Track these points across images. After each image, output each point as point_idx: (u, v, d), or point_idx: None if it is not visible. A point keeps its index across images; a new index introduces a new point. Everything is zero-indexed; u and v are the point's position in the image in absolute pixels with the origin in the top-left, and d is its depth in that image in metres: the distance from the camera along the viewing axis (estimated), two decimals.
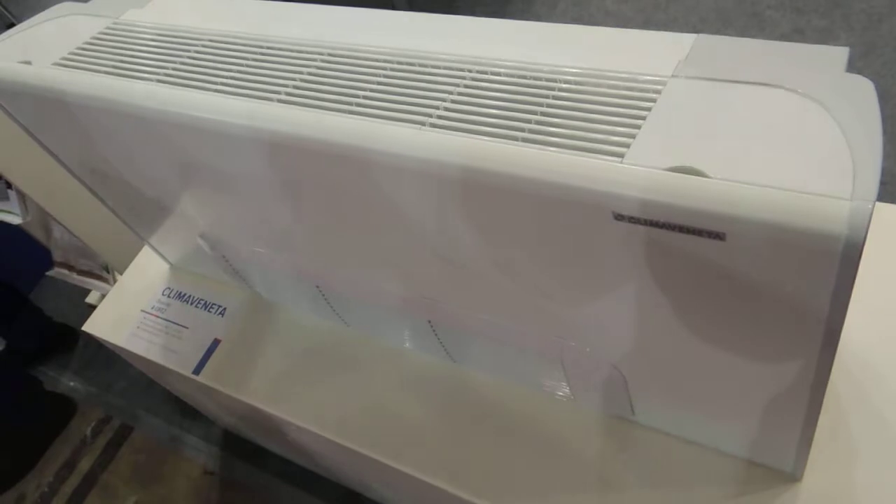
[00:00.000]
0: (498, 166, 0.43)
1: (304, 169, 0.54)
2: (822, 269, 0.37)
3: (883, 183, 1.27)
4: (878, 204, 0.77)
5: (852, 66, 0.42)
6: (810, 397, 0.50)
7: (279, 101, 0.52)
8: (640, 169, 0.39)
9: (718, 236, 0.38)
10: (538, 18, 1.99)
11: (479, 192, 0.45)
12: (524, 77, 0.48)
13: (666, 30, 0.51)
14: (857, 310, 0.69)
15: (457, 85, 0.49)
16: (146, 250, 1.05)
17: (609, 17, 1.89)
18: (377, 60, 0.53)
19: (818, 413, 0.52)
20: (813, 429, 0.54)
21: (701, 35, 0.48)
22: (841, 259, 0.36)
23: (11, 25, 0.74)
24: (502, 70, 0.49)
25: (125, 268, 1.05)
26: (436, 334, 0.73)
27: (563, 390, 0.70)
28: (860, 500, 0.60)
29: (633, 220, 0.40)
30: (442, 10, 0.58)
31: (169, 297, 0.99)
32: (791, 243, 0.36)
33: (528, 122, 0.44)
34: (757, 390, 0.52)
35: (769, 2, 1.68)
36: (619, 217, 0.41)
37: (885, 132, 0.38)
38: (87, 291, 1.78)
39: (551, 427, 0.72)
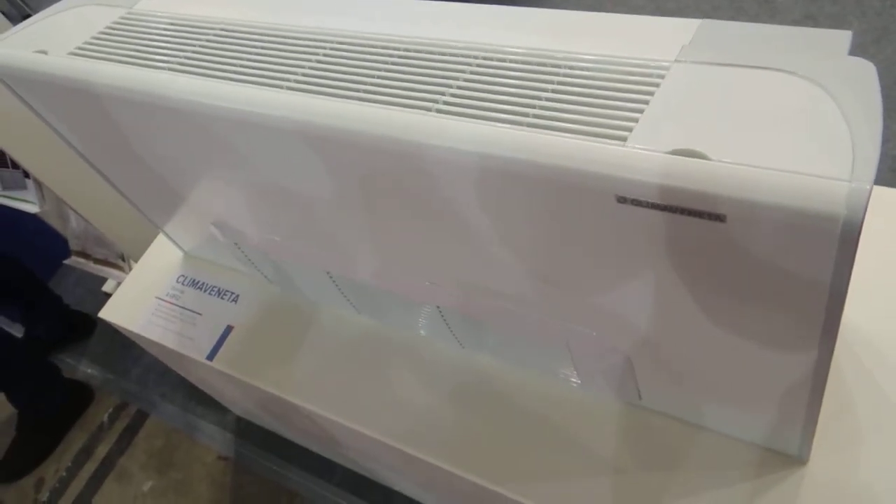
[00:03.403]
0: (502, 150, 0.43)
1: (313, 155, 0.55)
2: (821, 250, 0.37)
3: (893, 170, 1.27)
4: (886, 189, 0.77)
5: (865, 52, 0.42)
6: (814, 379, 0.50)
7: (289, 88, 0.53)
8: (643, 152, 0.40)
9: (719, 218, 0.39)
10: (550, 7, 1.98)
11: (484, 175, 0.46)
12: (529, 63, 0.48)
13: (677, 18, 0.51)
14: (862, 293, 0.70)
15: (463, 71, 0.49)
16: (160, 238, 1.07)
17: (620, 5, 1.88)
18: (385, 48, 0.54)
19: (822, 395, 0.52)
20: (817, 411, 0.55)
21: (705, 20, 0.49)
22: (840, 240, 0.36)
23: (28, 16, 0.75)
24: (508, 56, 0.49)
25: (140, 256, 1.07)
26: (445, 321, 0.74)
27: (571, 375, 0.71)
28: (866, 482, 0.60)
29: (635, 202, 0.41)
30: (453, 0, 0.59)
31: (183, 284, 1.00)
32: (791, 224, 0.37)
33: (533, 106, 0.45)
34: (760, 372, 0.52)
35: None
36: (621, 200, 0.41)
37: None
38: (103, 280, 1.80)
39: (560, 412, 0.73)
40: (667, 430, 0.68)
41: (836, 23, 1.51)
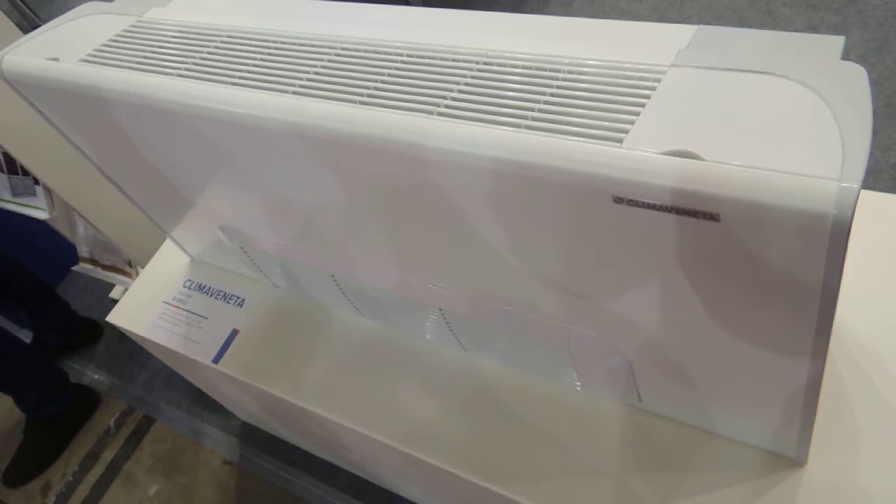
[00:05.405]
0: (502, 152, 0.44)
1: (317, 159, 0.56)
2: (812, 248, 0.38)
3: (895, 178, 1.27)
4: (885, 195, 0.78)
5: (866, 62, 0.43)
6: (809, 381, 0.51)
7: (294, 92, 0.54)
8: (638, 153, 0.41)
9: (713, 217, 0.40)
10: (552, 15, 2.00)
11: (484, 177, 0.47)
12: (529, 67, 0.49)
13: None
14: (862, 299, 0.70)
15: (465, 75, 0.51)
16: (168, 244, 1.08)
17: (624, 15, 1.90)
18: (389, 53, 0.55)
19: (817, 397, 0.53)
20: (813, 414, 0.55)
21: (701, 26, 0.50)
22: (830, 238, 0.37)
23: (37, 27, 0.77)
24: (509, 61, 0.51)
25: (148, 263, 1.08)
26: (448, 324, 0.75)
27: (573, 378, 0.72)
28: (863, 485, 0.60)
29: (631, 202, 0.42)
30: (456, 8, 0.60)
31: (189, 288, 1.02)
32: (782, 223, 0.38)
33: (532, 109, 0.46)
34: (756, 373, 0.53)
35: None
36: (618, 200, 0.42)
37: None
38: (111, 286, 1.82)
39: (562, 415, 0.73)
40: (666, 433, 0.68)
41: (837, 32, 1.52)
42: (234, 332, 0.94)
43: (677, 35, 0.49)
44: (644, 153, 0.41)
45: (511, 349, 0.73)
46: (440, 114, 0.48)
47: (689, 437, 0.67)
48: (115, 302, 1.61)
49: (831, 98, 0.40)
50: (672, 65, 0.46)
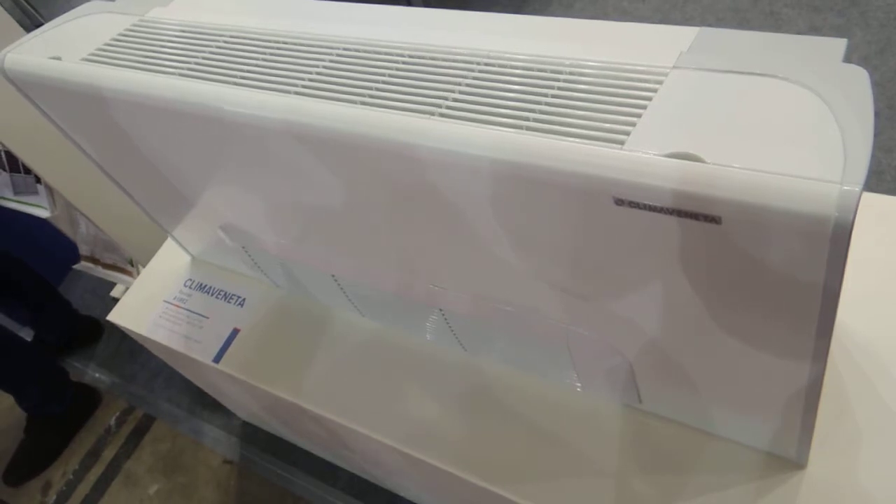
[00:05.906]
0: (502, 154, 0.45)
1: (318, 159, 0.56)
2: (813, 251, 0.38)
3: None
4: (888, 197, 0.78)
5: (868, 63, 0.43)
6: (810, 383, 0.51)
7: (296, 93, 0.54)
8: (639, 155, 0.41)
9: (714, 220, 0.40)
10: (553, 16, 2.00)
11: (485, 178, 0.47)
12: (531, 68, 0.49)
13: None
14: (862, 300, 0.70)
15: (466, 76, 0.51)
16: (169, 243, 1.08)
17: (626, 16, 1.90)
18: (390, 54, 0.55)
19: (818, 399, 0.53)
20: (814, 415, 0.55)
21: (703, 28, 0.50)
22: (831, 241, 0.37)
23: (40, 25, 0.77)
24: (510, 61, 0.51)
25: (149, 262, 1.08)
26: (449, 325, 0.75)
27: (573, 379, 0.72)
28: (863, 486, 0.60)
29: (633, 204, 0.42)
30: (457, 9, 0.60)
31: (190, 287, 1.02)
32: (783, 226, 0.38)
33: (533, 111, 0.46)
34: (757, 375, 0.53)
35: (786, 0, 1.68)
36: (619, 202, 0.42)
37: None
38: (112, 285, 1.82)
39: (563, 416, 0.73)
40: (666, 434, 0.68)
41: (840, 34, 1.52)
42: (235, 332, 0.94)
43: (679, 37, 0.49)
44: (646, 155, 0.41)
45: (511, 349, 0.74)
46: (441, 114, 0.48)
47: (690, 439, 0.67)
48: (116, 301, 1.61)
49: (833, 100, 0.40)
50: (674, 66, 0.46)
